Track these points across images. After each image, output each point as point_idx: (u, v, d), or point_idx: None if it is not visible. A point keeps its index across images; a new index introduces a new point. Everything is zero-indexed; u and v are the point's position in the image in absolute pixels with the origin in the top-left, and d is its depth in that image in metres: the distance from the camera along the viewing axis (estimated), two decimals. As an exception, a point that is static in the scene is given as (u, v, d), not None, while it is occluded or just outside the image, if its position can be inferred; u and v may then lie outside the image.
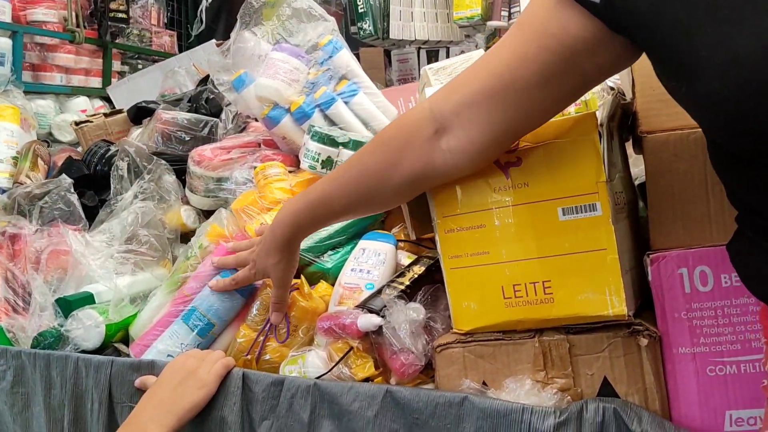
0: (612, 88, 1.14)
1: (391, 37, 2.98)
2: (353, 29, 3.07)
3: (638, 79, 1.11)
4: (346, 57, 1.59)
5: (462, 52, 3.97)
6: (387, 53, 4.02)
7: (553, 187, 1.04)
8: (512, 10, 2.85)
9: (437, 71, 1.65)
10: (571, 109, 1.17)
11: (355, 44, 3.46)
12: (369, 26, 3.03)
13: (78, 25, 2.64)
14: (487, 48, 3.86)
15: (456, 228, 1.11)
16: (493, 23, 2.85)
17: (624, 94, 1.05)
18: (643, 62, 1.08)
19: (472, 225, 1.09)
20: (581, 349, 1.05)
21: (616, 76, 1.24)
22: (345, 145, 1.38)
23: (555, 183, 1.04)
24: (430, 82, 1.63)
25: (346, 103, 1.55)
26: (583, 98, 1.18)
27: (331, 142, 1.38)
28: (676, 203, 1.07)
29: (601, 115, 1.03)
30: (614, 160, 1.06)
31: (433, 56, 4.00)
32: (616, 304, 1.00)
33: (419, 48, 3.81)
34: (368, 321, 1.10)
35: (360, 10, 3.04)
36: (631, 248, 1.10)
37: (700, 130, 1.05)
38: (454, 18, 2.89)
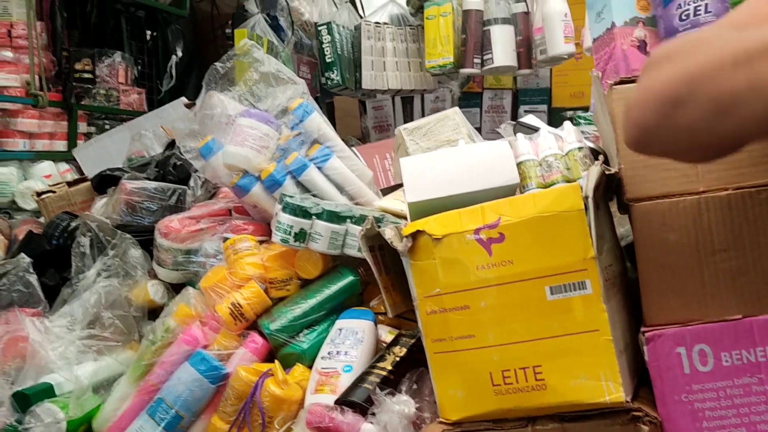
0: (596, 156, 1.09)
1: (363, 87, 2.94)
2: (322, 79, 3.04)
3: (622, 143, 1.06)
4: (317, 120, 1.53)
5: (437, 98, 3.97)
6: (362, 101, 4.01)
7: (540, 264, 0.98)
8: (485, 57, 2.83)
9: (412, 131, 1.60)
10: (558, 177, 1.12)
11: (329, 93, 3.44)
12: (337, 76, 2.99)
13: (41, 89, 2.57)
14: (461, 95, 3.86)
15: (438, 309, 1.04)
16: (466, 71, 2.83)
17: (608, 162, 1.00)
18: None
19: (455, 306, 1.02)
20: (578, 438, 0.97)
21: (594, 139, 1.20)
22: (318, 216, 1.32)
23: (541, 260, 0.98)
24: (405, 143, 1.57)
25: (319, 168, 1.49)
26: (565, 165, 1.13)
27: (304, 213, 1.31)
28: (668, 276, 1.01)
29: (585, 186, 0.97)
30: (602, 232, 1.00)
31: (408, 102, 3.99)
32: (612, 390, 0.93)
33: (394, 95, 3.79)
34: None
35: (328, 60, 3.00)
36: (624, 324, 1.03)
37: (690, 197, 1.01)
38: (427, 66, 2.87)
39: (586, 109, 3.00)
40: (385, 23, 3.03)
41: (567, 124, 1.17)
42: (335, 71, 2.98)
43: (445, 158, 1.13)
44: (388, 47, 3.01)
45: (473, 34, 2.81)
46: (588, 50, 2.65)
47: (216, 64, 1.56)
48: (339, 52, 2.97)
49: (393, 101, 3.88)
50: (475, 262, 1.01)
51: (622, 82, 1.07)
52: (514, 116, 3.84)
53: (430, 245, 1.04)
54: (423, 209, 1.10)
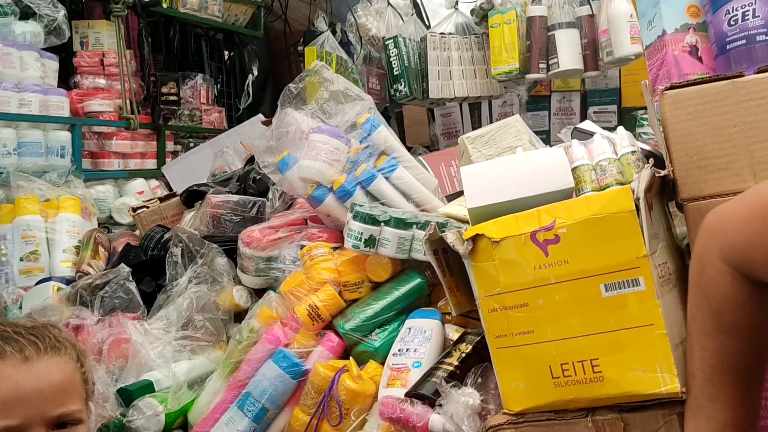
0: (648, 158, 1.13)
1: (430, 96, 3.02)
2: (391, 91, 3.14)
3: (674, 146, 1.10)
4: (384, 133, 1.63)
5: (504, 102, 4.00)
6: (430, 109, 4.09)
7: (594, 263, 1.03)
8: (550, 62, 2.86)
9: (474, 140, 1.67)
10: (611, 181, 1.17)
11: (398, 103, 3.54)
12: (404, 87, 3.08)
13: (132, 112, 2.79)
14: (529, 98, 3.88)
15: (499, 307, 1.11)
16: (532, 76, 2.87)
17: (661, 164, 1.04)
18: (677, 127, 1.08)
19: (515, 304, 1.09)
20: (637, 428, 1.02)
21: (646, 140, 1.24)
22: (386, 222, 1.41)
23: (595, 259, 1.03)
24: (468, 151, 1.65)
25: (386, 178, 1.59)
26: (618, 168, 1.18)
27: (373, 221, 1.41)
28: (724, 271, 1.04)
29: (637, 188, 1.02)
30: (654, 231, 1.05)
31: (476, 108, 4.04)
32: (668, 381, 0.98)
33: (461, 102, 3.86)
34: (439, 424, 1.10)
35: (395, 73, 3.10)
36: (682, 319, 1.07)
37: (740, 193, 1.04)
38: (493, 74, 2.92)
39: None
40: (450, 33, 3.11)
41: (620, 129, 1.21)
42: (403, 83, 3.08)
43: (502, 165, 1.20)
44: (454, 56, 3.08)
45: (538, 40, 2.85)
46: (655, 50, 2.65)
47: (290, 85, 1.68)
48: (406, 64, 3.07)
49: (461, 108, 3.94)
50: (533, 263, 1.07)
51: (672, 87, 1.11)
52: (583, 117, 3.82)
53: (490, 248, 1.11)
54: (482, 214, 1.17)
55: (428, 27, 3.24)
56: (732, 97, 1.08)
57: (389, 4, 3.27)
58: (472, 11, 3.10)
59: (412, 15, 3.26)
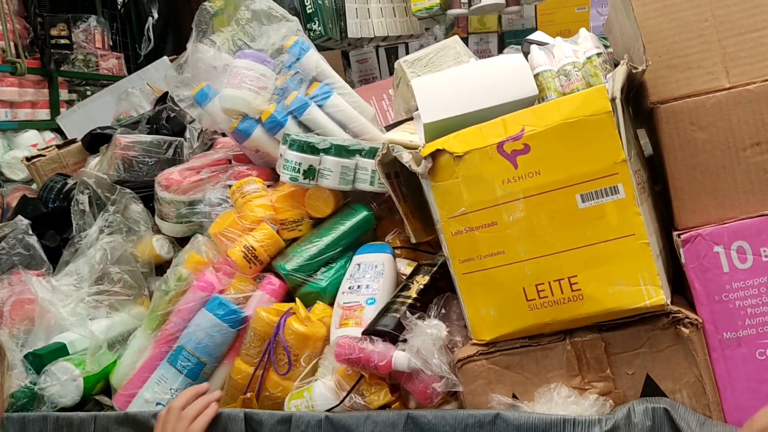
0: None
1: (349, 36, 2.86)
2: (305, 31, 2.95)
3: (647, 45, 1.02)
4: (314, 57, 1.48)
5: (421, 46, 3.88)
6: (345, 55, 3.91)
7: (568, 172, 0.94)
8: (472, -3, 2.76)
9: (412, 63, 1.55)
10: (578, 86, 1.07)
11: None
12: (319, 27, 2.90)
13: (18, 56, 2.48)
14: (447, 37, 3.78)
15: (464, 229, 1.00)
16: (453, 11, 2.75)
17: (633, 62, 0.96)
18: (645, 25, 1.00)
19: (482, 223, 0.99)
20: (618, 347, 0.95)
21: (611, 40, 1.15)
22: (326, 151, 1.27)
23: (570, 168, 0.94)
24: (407, 76, 1.53)
25: (320, 106, 1.44)
26: (584, 73, 1.09)
27: (312, 149, 1.27)
28: (699, 176, 0.98)
29: (611, 87, 0.93)
30: (628, 137, 0.97)
31: (392, 53, 3.90)
32: (652, 293, 0.91)
33: (377, 46, 3.70)
34: (404, 360, 0.99)
35: (308, 11, 2.90)
36: (657, 230, 1.01)
37: (718, 94, 0.97)
38: (413, 10, 2.79)
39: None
40: (367, -32, 2.94)
41: (583, 30, 1.12)
42: (317, 22, 2.89)
43: (458, 76, 1.09)
44: (372, -8, 2.93)
45: (458, -27, 2.73)
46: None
47: (205, 3, 1.50)
48: (320, 2, 2.88)
49: (377, 53, 3.79)
50: (501, 177, 0.97)
51: (640, -20, 1.02)
52: (502, 60, 3.77)
53: (452, 164, 1.00)
54: (440, 130, 1.06)
55: (343, -38, 3.05)
56: (702, -11, 1.00)
57: (299, -63, 3.05)
58: (389, -56, 2.94)
59: (324, -50, 3.06)
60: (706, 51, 1.00)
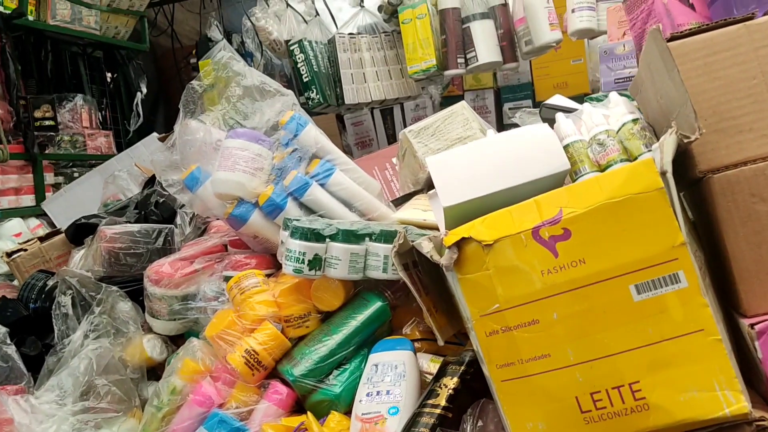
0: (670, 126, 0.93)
1: (346, 102, 2.78)
2: (301, 99, 2.87)
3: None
4: (313, 132, 1.37)
5: (417, 106, 3.82)
6: (339, 118, 3.84)
7: (618, 260, 0.81)
8: (468, 56, 2.69)
9: (418, 133, 1.44)
10: (615, 156, 0.95)
11: (309, 114, 3.27)
12: (317, 95, 2.83)
13: (0, 141, 2.37)
14: (442, 100, 3.72)
15: (500, 329, 0.87)
16: (451, 72, 2.68)
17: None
18: (691, 85, 0.89)
19: (521, 322, 0.85)
20: (694, 463, 0.80)
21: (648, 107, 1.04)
22: (333, 237, 1.14)
23: (619, 255, 0.81)
24: (413, 147, 1.41)
25: (322, 185, 1.32)
26: (620, 141, 0.97)
27: (317, 236, 1.14)
28: (766, 255, 0.85)
29: (660, 159, 0.81)
30: (684, 215, 0.84)
31: (388, 114, 3.84)
32: (732, 400, 0.77)
33: (372, 108, 3.64)
34: None
35: (305, 80, 2.84)
36: (722, 318, 0.87)
37: (776, 158, 0.86)
38: (409, 72, 2.71)
39: (572, 98, 2.88)
40: (359, 33, 2.88)
41: (613, 94, 1.01)
42: (315, 90, 2.82)
43: (479, 151, 0.97)
44: (366, 57, 2.86)
45: (453, 33, 2.67)
46: (574, 34, 2.52)
47: (193, 82, 1.39)
48: (315, 70, 2.82)
49: (372, 115, 3.73)
50: (539, 267, 0.84)
51: (672, 38, 0.92)
52: (499, 115, 3.70)
53: (481, 254, 0.87)
54: (462, 214, 0.94)
55: (337, 26, 3.00)
56: (746, 44, 0.89)
57: (288, 5, 3.01)
58: (380, 8, 2.89)
59: (315, 17, 3.01)
60: (759, 112, 0.89)
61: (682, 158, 0.94)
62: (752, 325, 0.82)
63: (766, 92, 0.89)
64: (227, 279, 1.30)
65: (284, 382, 1.12)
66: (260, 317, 1.16)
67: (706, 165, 0.90)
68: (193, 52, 3.51)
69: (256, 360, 1.12)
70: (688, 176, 0.94)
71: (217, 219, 1.55)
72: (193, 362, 1.16)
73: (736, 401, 0.77)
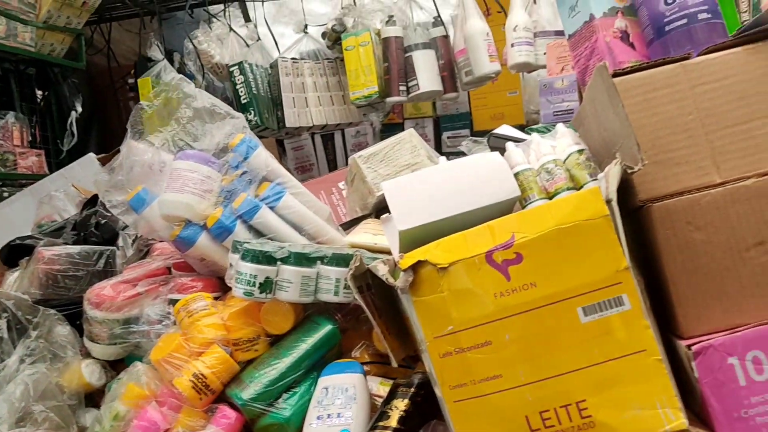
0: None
1: (287, 126, 2.78)
2: (240, 121, 2.86)
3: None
4: (263, 155, 1.37)
5: (358, 132, 3.85)
6: (280, 143, 3.83)
7: (567, 283, 0.85)
8: (410, 84, 2.75)
9: (368, 158, 1.46)
10: (562, 185, 1.00)
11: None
12: (254, 117, 2.82)
13: (-75, 157, 2.26)
14: (382, 127, 3.77)
15: (454, 350, 0.89)
16: (392, 99, 2.73)
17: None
18: (632, 119, 0.94)
19: (474, 344, 0.88)
20: (637, 479, 0.84)
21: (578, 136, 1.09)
22: (284, 260, 1.14)
23: (568, 278, 0.85)
24: (362, 172, 1.44)
25: (271, 208, 1.32)
26: (566, 171, 1.02)
27: (268, 259, 1.14)
28: (702, 280, 0.91)
29: (606, 188, 0.86)
30: (628, 241, 0.89)
31: (329, 139, 3.85)
32: (671, 417, 0.81)
33: (313, 133, 3.64)
34: None
35: (243, 101, 2.83)
36: (659, 339, 0.92)
37: (712, 191, 0.92)
38: (351, 98, 2.75)
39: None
40: (302, 59, 2.91)
41: (560, 126, 1.06)
42: (253, 112, 2.81)
43: (432, 177, 1.00)
44: (308, 82, 2.88)
45: (396, 62, 2.73)
46: (513, 67, 2.62)
47: (142, 102, 1.37)
48: (254, 92, 2.81)
49: (313, 139, 3.73)
50: (492, 290, 0.87)
51: (615, 75, 0.97)
52: (438, 143, 3.77)
53: (436, 277, 0.89)
54: (416, 238, 0.96)
55: (279, 53, 3.01)
56: (684, 82, 0.96)
57: (231, 29, 3.00)
58: (324, 35, 2.92)
59: (257, 41, 3.02)
60: (694, 146, 0.95)
61: (625, 187, 0.99)
62: (689, 347, 0.87)
63: (700, 128, 0.95)
64: (172, 302, 1.28)
65: (233, 407, 1.11)
66: (208, 340, 1.14)
67: (646, 195, 0.95)
68: (132, 72, 3.44)
69: (204, 384, 1.10)
70: (630, 205, 1.00)
71: (162, 241, 1.52)
72: (137, 387, 1.13)
73: (676, 418, 0.81)
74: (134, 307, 1.34)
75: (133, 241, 1.54)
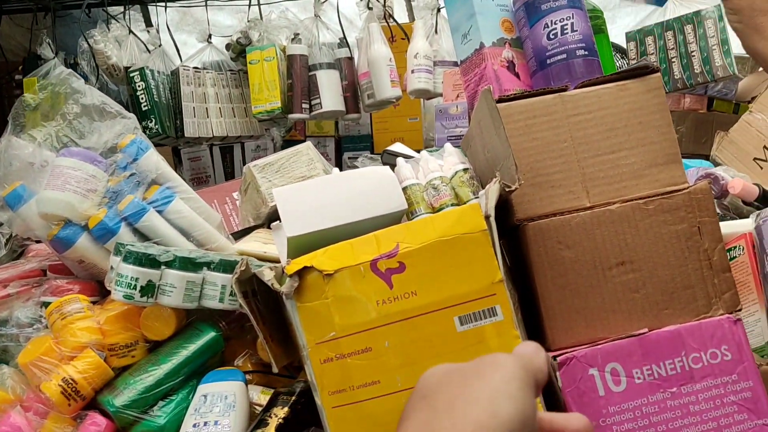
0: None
1: (186, 135, 2.73)
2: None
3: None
4: (154, 158, 1.34)
5: (258, 146, 3.82)
6: (176, 152, 3.74)
7: (445, 293, 0.89)
8: (312, 102, 2.77)
9: (263, 168, 1.46)
10: (447, 201, 1.04)
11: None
12: (155, 125, 2.76)
13: None
14: (284, 141, 3.76)
15: (335, 356, 0.90)
16: (294, 116, 2.74)
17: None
18: (513, 143, 1.00)
19: (355, 350, 0.89)
20: (502, 483, 0.88)
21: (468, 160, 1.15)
22: (169, 264, 1.12)
23: (447, 288, 0.89)
24: (256, 180, 1.43)
25: (159, 212, 1.29)
26: (451, 188, 1.06)
27: (151, 262, 1.11)
28: (569, 295, 0.97)
29: (485, 205, 0.91)
30: (503, 255, 0.94)
31: (227, 152, 3.80)
32: (536, 422, 0.86)
33: (212, 144, 3.58)
34: None
35: (144, 108, 2.76)
36: (530, 351, 0.97)
37: (582, 213, 0.98)
38: (254, 112, 2.74)
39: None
40: (204, 69, 2.87)
41: (448, 145, 1.11)
42: (153, 119, 2.75)
43: (323, 186, 1.02)
44: (210, 93, 2.84)
45: (300, 79, 2.75)
46: (412, 93, 2.70)
47: (26, 95, 1.31)
48: (156, 99, 2.75)
49: (211, 151, 3.67)
50: (375, 297, 0.89)
51: (500, 100, 1.03)
52: (339, 163, 3.80)
53: (321, 283, 0.90)
54: (304, 245, 0.97)
55: (180, 60, 2.95)
56: (560, 111, 1.03)
57: (131, 31, 2.92)
58: (228, 46, 2.90)
59: (158, 47, 2.95)
60: (567, 171, 1.02)
61: (505, 207, 1.05)
62: (555, 357, 0.93)
63: (573, 154, 1.02)
64: (45, 305, 1.22)
65: (104, 413, 1.06)
66: (82, 344, 1.10)
67: (523, 214, 1.01)
68: (20, 68, 3.26)
69: (73, 389, 1.05)
70: (509, 223, 1.05)
71: (38, 242, 1.45)
72: (1, 390, 1.07)
73: (540, 423, 0.86)
74: (3, 309, 1.27)
75: (7, 241, 1.47)
